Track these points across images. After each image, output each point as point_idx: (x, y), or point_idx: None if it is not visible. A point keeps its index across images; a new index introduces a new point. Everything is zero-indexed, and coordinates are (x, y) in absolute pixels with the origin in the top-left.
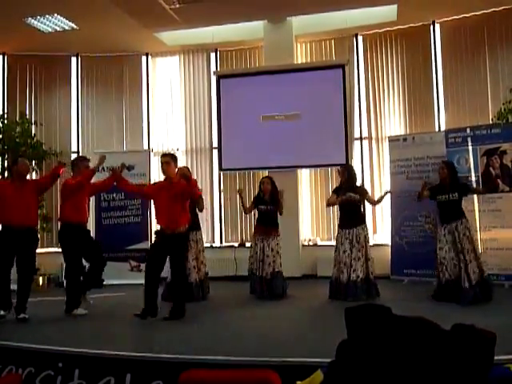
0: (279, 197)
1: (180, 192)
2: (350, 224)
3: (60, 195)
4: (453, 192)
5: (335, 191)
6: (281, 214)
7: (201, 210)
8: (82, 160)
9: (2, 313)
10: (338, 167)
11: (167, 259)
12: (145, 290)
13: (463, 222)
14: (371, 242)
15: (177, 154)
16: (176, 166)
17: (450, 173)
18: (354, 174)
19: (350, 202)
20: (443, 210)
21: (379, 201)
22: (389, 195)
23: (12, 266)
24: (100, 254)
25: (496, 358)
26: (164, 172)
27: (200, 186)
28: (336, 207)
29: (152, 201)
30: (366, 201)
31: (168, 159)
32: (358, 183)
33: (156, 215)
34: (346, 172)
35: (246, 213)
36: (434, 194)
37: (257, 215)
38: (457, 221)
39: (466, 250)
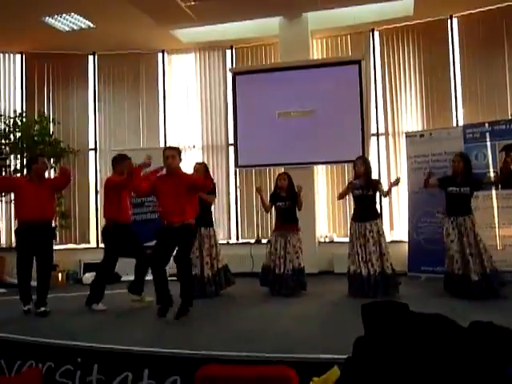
0: (298, 192)
1: (187, 184)
2: (364, 218)
3: (104, 193)
4: (465, 186)
5: (349, 185)
6: (299, 210)
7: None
8: (124, 158)
9: (27, 307)
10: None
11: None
12: (157, 284)
13: (470, 217)
14: (388, 239)
15: (193, 151)
16: (180, 159)
17: (465, 166)
18: (370, 167)
19: (364, 196)
20: (452, 203)
21: (388, 191)
22: (405, 187)
23: (32, 262)
24: (143, 252)
25: None
26: (168, 165)
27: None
28: (351, 201)
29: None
30: (378, 192)
31: (174, 153)
32: (374, 177)
33: (162, 209)
34: (364, 165)
35: (266, 211)
36: (445, 185)
37: (274, 212)
38: (464, 216)
39: (471, 244)
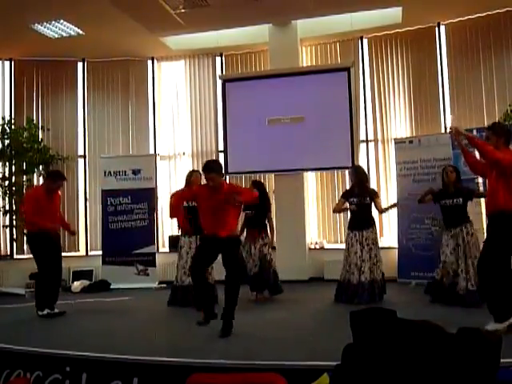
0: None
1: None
2: (360, 226)
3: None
4: (457, 197)
5: (344, 196)
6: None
7: None
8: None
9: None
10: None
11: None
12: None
13: (467, 226)
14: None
15: (183, 158)
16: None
17: (457, 177)
18: (363, 175)
19: (361, 205)
20: (447, 215)
21: (385, 210)
22: (394, 193)
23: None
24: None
25: (504, 360)
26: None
27: None
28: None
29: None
30: (374, 206)
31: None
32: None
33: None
34: (354, 175)
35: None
36: (438, 198)
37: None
38: (461, 225)
39: (467, 255)
